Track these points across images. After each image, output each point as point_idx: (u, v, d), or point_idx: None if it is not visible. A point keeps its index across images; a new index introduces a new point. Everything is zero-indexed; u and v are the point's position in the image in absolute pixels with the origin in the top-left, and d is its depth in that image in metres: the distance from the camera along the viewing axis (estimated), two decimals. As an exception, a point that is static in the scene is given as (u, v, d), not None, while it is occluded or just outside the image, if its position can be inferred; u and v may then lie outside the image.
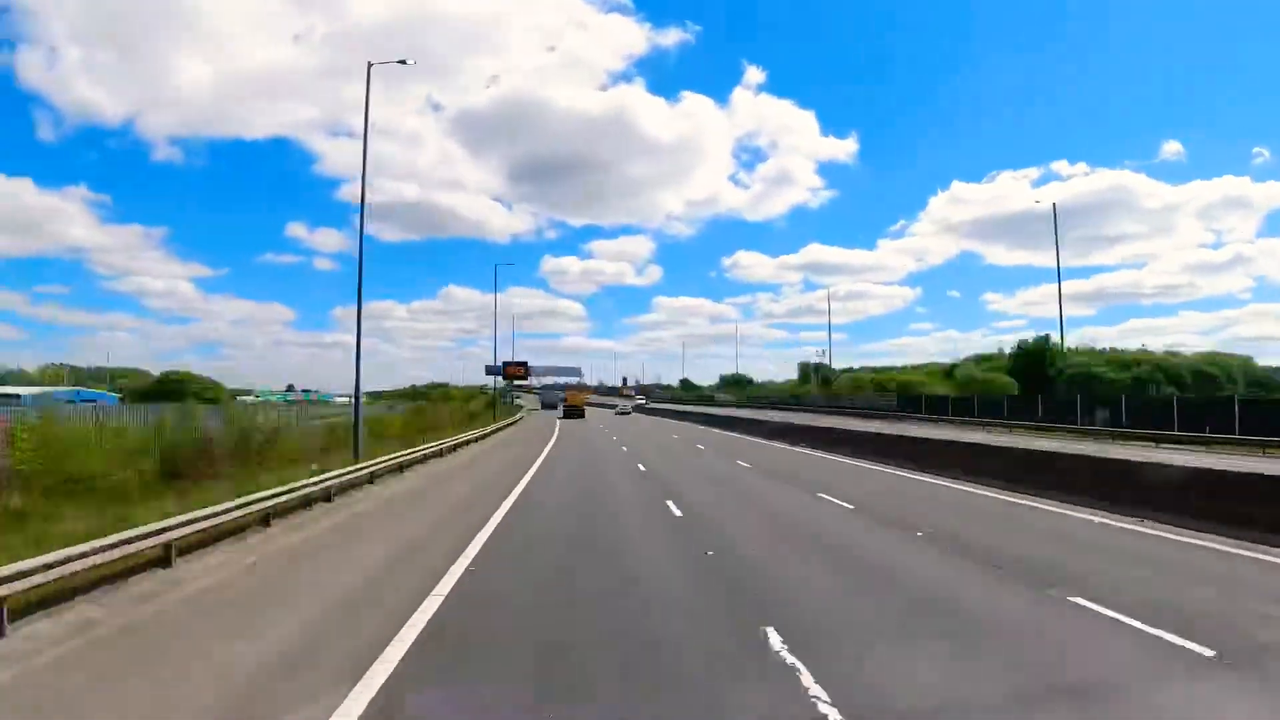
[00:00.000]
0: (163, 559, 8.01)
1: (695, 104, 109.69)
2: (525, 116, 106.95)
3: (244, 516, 9.98)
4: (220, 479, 13.30)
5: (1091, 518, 11.04)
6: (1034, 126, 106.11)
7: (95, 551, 6.79)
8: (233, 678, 4.80)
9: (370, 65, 19.34)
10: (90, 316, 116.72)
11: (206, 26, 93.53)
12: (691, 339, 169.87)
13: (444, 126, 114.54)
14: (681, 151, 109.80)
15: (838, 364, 79.80)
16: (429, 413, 40.00)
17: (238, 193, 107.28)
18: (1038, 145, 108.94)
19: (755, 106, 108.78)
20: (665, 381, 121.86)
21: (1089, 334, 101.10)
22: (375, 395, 69.36)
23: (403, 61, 20.50)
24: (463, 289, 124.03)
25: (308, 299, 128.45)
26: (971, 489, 14.73)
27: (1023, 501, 12.91)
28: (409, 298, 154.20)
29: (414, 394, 74.27)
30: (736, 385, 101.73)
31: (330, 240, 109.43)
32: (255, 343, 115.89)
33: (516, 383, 77.58)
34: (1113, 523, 10.65)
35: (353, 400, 20.09)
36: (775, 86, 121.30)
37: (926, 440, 23.71)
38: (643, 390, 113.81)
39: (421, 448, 22.46)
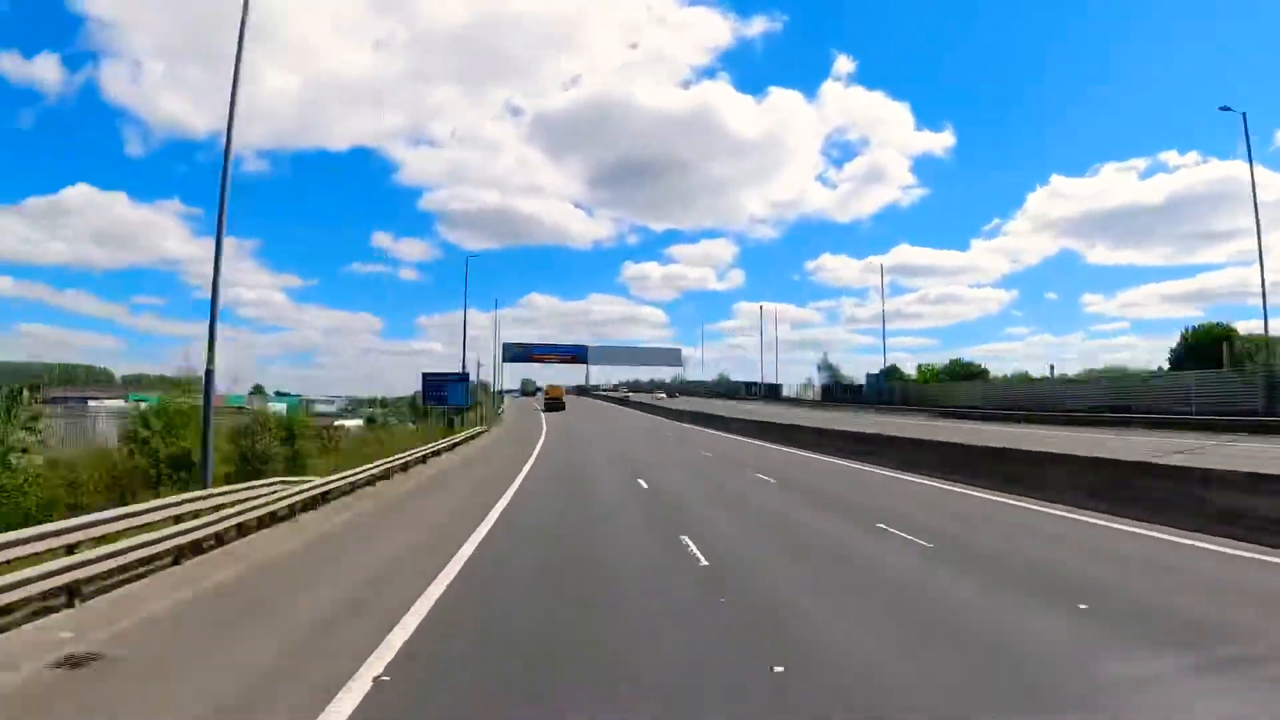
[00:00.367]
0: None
1: (782, 99, 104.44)
2: (605, 118, 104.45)
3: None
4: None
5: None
6: (1141, 113, 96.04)
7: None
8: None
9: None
10: (186, 326, 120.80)
11: (288, 35, 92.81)
12: (772, 344, 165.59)
13: (523, 132, 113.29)
14: (767, 149, 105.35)
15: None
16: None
17: (323, 204, 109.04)
18: (1145, 134, 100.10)
19: (845, 99, 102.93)
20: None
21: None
22: (382, 402, 66.83)
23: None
24: (544, 297, 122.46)
25: (393, 308, 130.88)
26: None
27: None
28: (489, 306, 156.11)
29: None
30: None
31: (414, 250, 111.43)
32: (345, 351, 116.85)
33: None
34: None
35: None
36: (866, 77, 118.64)
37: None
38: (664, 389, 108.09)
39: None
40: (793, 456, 25.33)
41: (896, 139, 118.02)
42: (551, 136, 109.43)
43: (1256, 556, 8.59)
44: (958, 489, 15.31)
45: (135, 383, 57.01)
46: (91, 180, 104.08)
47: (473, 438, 36.16)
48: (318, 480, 15.28)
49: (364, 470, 17.65)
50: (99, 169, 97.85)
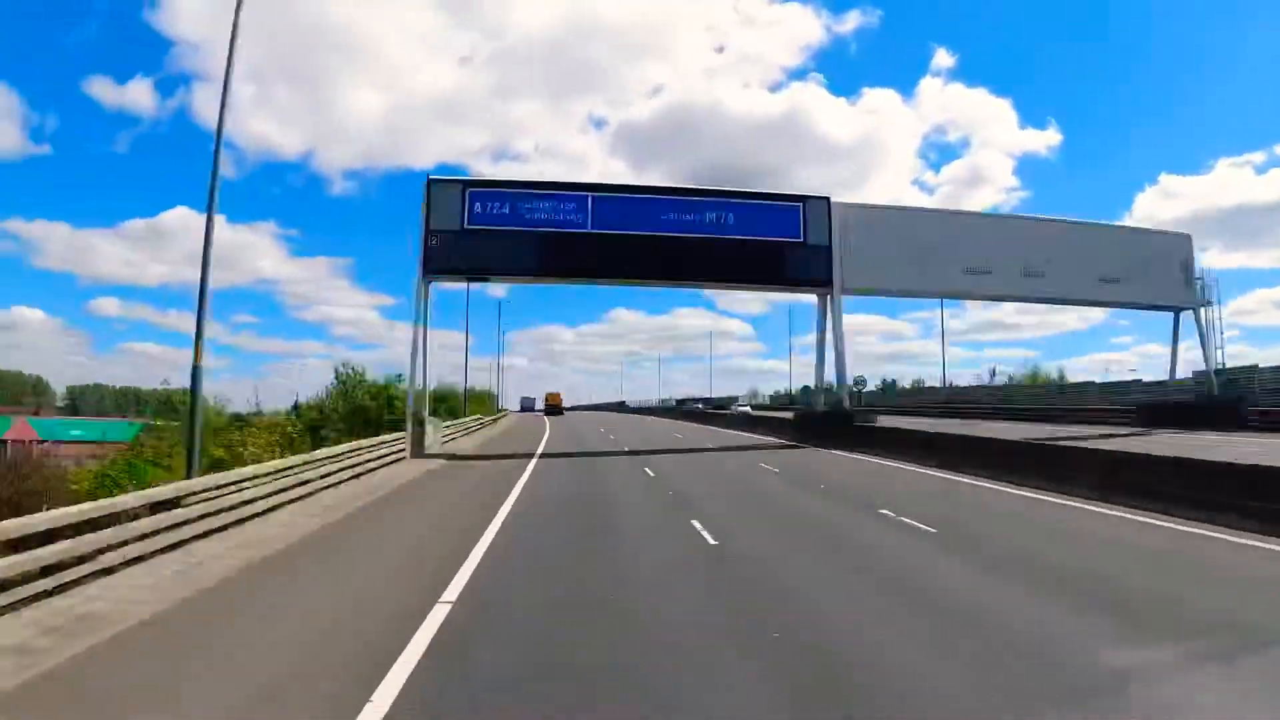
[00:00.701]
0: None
1: (877, 99, 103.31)
2: (690, 125, 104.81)
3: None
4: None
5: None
6: (1259, 103, 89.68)
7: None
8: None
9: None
10: (283, 344, 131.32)
11: (374, 54, 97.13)
12: (863, 358, 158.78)
13: (606, 143, 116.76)
14: (860, 153, 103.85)
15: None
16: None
17: (412, 222, 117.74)
18: (1263, 125, 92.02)
19: (944, 98, 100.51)
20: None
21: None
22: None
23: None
24: (630, 312, 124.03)
25: (482, 325, 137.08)
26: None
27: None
28: (576, 321, 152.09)
29: None
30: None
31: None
32: (436, 368, 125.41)
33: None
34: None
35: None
36: (967, 73, 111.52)
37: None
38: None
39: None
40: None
41: (999, 139, 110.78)
42: (635, 146, 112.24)
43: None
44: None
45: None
46: (189, 204, 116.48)
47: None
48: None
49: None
50: (196, 192, 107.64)
